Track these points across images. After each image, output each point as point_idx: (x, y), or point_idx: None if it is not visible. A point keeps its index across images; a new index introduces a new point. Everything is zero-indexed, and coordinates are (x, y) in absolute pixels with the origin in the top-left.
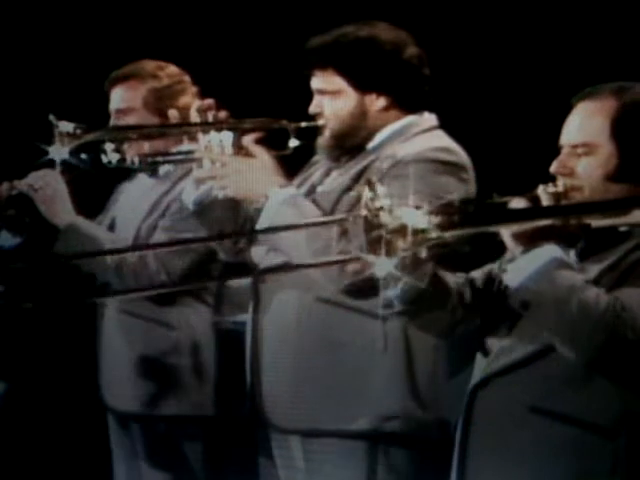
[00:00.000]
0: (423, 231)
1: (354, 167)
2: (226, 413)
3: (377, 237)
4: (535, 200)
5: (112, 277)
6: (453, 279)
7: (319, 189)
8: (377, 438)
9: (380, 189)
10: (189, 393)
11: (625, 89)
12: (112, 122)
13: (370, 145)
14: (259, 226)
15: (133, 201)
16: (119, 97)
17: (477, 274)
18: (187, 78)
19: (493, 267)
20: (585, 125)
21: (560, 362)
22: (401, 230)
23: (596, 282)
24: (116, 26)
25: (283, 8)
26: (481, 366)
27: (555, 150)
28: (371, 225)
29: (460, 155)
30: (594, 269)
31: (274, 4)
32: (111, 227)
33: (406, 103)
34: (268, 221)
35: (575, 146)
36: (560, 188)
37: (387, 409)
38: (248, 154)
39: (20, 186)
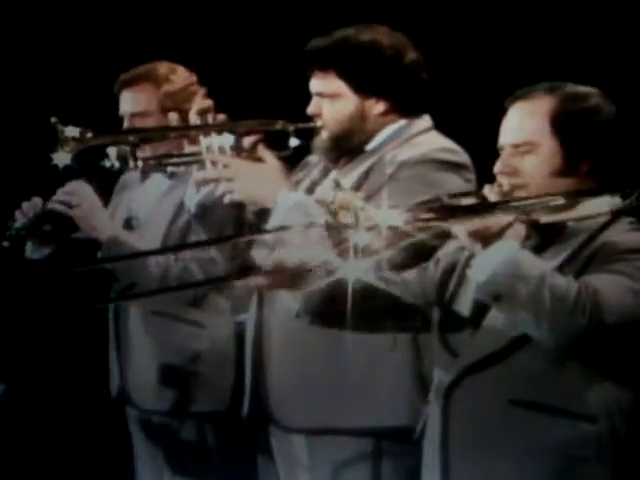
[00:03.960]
0: (394, 229)
1: (357, 168)
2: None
3: (345, 239)
4: (485, 199)
5: (156, 286)
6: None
7: (318, 190)
8: (383, 434)
9: (348, 190)
10: (214, 390)
11: (558, 87)
12: (126, 125)
13: (369, 146)
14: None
15: (153, 202)
16: (133, 100)
17: (413, 275)
18: (195, 79)
19: (429, 267)
20: (524, 124)
21: (534, 353)
22: (373, 230)
23: None
24: (112, 30)
25: (280, 9)
26: (447, 366)
27: (493, 152)
28: (342, 226)
29: (463, 155)
30: (550, 264)
31: (272, 5)
32: (127, 226)
33: (405, 107)
34: (278, 225)
35: (517, 145)
36: (506, 187)
37: (394, 406)
38: (251, 156)
39: (56, 206)
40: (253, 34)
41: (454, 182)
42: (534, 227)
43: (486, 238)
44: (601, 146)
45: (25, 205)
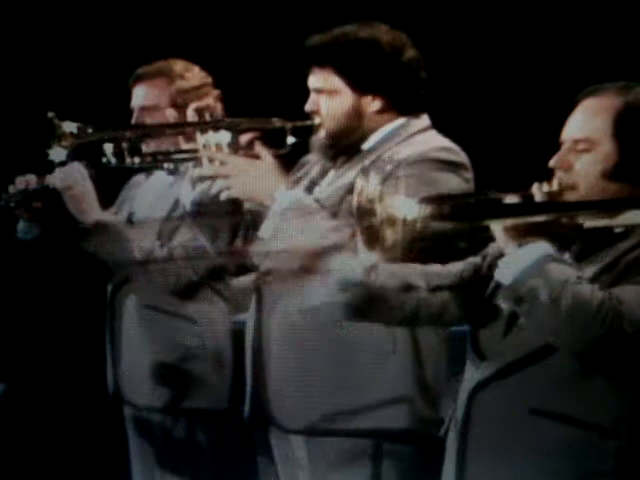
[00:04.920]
0: (413, 221)
1: (355, 167)
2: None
3: (369, 226)
4: (529, 198)
5: (139, 273)
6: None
7: (317, 189)
8: (382, 436)
9: (373, 178)
10: (209, 387)
11: (630, 88)
12: (135, 118)
13: (366, 145)
14: (265, 228)
15: (153, 198)
16: (145, 94)
17: (460, 267)
18: (210, 80)
19: (476, 260)
20: (588, 121)
21: (559, 362)
22: (391, 219)
23: (592, 282)
24: (110, 28)
25: (279, 8)
26: (476, 367)
27: (552, 149)
28: (363, 214)
29: (461, 155)
30: (590, 270)
31: (271, 4)
32: (128, 221)
33: (402, 106)
34: (275, 223)
35: (576, 141)
36: (555, 187)
37: (394, 407)
38: (248, 154)
39: (52, 182)
40: (251, 32)
41: (452, 181)
42: (579, 231)
43: (522, 238)
44: None
45: (19, 179)
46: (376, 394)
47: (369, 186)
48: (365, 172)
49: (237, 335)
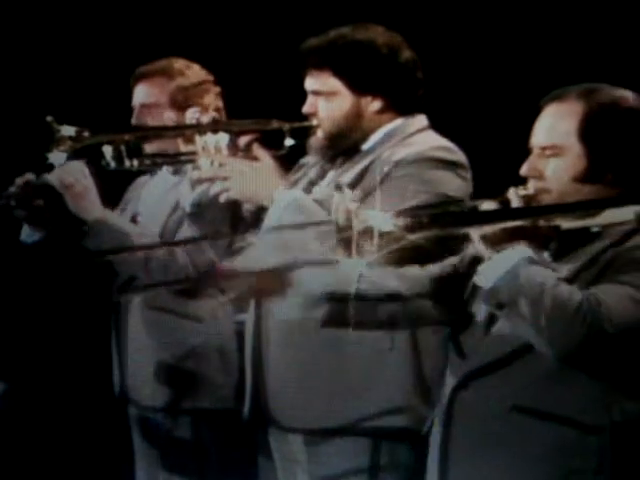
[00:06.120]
0: (388, 233)
1: (354, 168)
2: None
3: (348, 239)
4: (506, 203)
5: (140, 271)
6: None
7: (315, 189)
8: (381, 435)
9: (348, 193)
10: (215, 386)
11: (592, 91)
12: (135, 117)
13: (365, 146)
14: (264, 228)
15: (157, 197)
16: (145, 92)
17: (438, 268)
18: (211, 78)
19: (454, 261)
20: (553, 127)
21: (541, 360)
22: (368, 232)
23: (571, 281)
24: (109, 30)
25: (276, 9)
26: (457, 366)
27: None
28: (342, 227)
29: (459, 154)
30: (568, 268)
31: (267, 5)
32: (132, 221)
33: (400, 106)
34: (274, 223)
35: (544, 148)
36: (531, 190)
37: (392, 406)
38: (246, 156)
39: (51, 181)
40: (248, 34)
41: (450, 180)
42: (556, 232)
43: (500, 244)
44: (630, 154)
45: (18, 179)
46: (374, 393)
47: (345, 201)
48: (340, 188)
49: (240, 335)
